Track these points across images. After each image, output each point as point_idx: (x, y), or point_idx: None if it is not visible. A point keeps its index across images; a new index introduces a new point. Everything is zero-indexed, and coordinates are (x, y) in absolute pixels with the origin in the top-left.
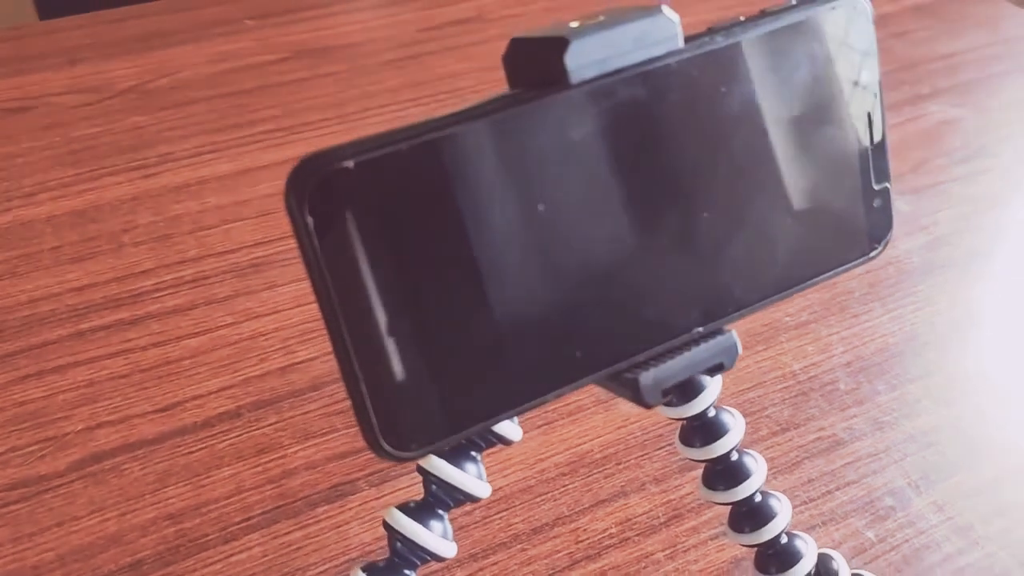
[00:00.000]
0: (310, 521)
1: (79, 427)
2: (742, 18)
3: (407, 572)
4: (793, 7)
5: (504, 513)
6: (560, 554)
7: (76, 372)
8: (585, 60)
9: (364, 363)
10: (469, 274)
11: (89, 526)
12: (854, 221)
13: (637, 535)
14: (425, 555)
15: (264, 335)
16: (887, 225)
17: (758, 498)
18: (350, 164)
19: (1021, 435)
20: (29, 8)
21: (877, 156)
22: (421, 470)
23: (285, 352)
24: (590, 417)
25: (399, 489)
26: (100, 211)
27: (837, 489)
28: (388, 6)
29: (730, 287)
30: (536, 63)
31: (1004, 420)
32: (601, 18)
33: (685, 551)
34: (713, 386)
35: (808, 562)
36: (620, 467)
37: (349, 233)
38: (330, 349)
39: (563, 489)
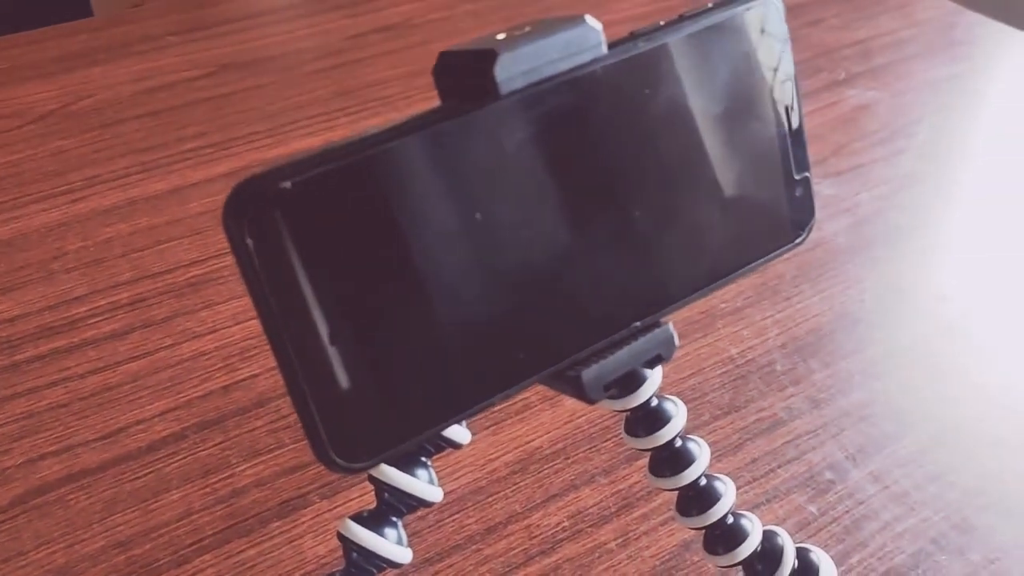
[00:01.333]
0: (263, 538)
1: (19, 460)
2: (662, 23)
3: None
4: (710, 10)
5: (457, 515)
6: (515, 551)
7: (13, 405)
8: (514, 71)
9: (310, 377)
10: (410, 284)
11: (36, 560)
12: (778, 211)
13: (589, 527)
14: (381, 563)
15: (205, 354)
16: (809, 213)
17: (703, 482)
18: (287, 185)
19: (946, 404)
20: None
21: (796, 147)
22: (372, 479)
23: (227, 370)
24: (537, 415)
25: (351, 500)
26: (27, 240)
27: (779, 467)
28: (314, 15)
29: (665, 281)
30: (466, 76)
31: (931, 391)
32: (527, 29)
33: (636, 538)
34: (653, 377)
35: (754, 540)
36: (569, 461)
37: (289, 251)
38: (273, 364)
39: (514, 487)
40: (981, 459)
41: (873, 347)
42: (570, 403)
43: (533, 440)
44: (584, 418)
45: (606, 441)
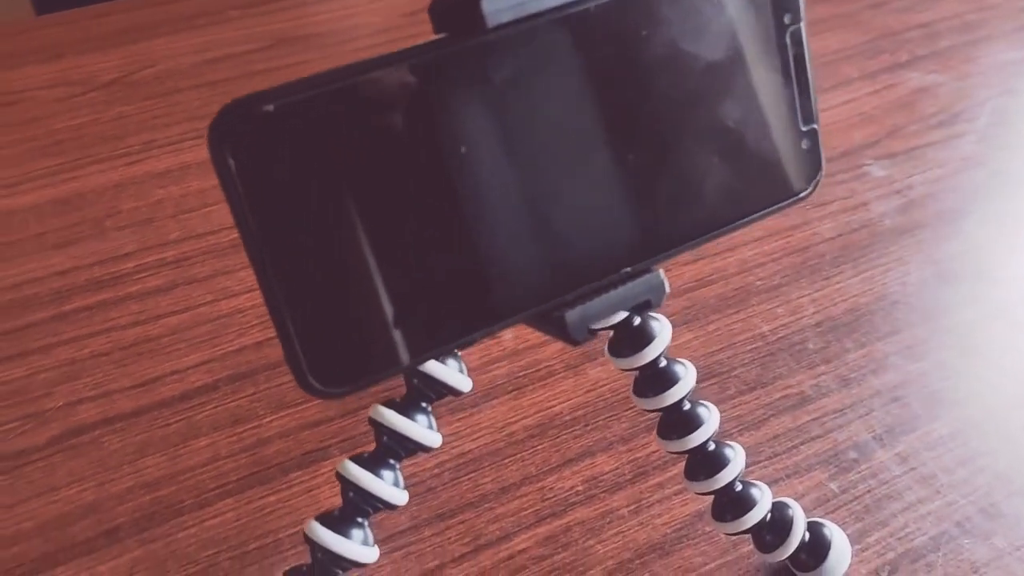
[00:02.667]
0: (283, 486)
1: (60, 403)
2: None
3: (359, 520)
4: None
5: (473, 474)
6: (527, 511)
7: (58, 352)
8: (501, 5)
9: (290, 302)
10: (393, 213)
11: (67, 496)
12: (782, 162)
13: (603, 492)
14: (377, 503)
15: (242, 312)
16: (816, 166)
17: (712, 447)
18: (270, 108)
19: (983, 387)
20: (26, 5)
21: (803, 98)
22: (372, 421)
23: (262, 327)
24: (560, 382)
25: (364, 441)
26: (83, 199)
27: (802, 444)
28: None
29: (657, 228)
30: (456, 10)
31: (968, 373)
32: None
33: (649, 506)
34: (662, 336)
35: (762, 509)
36: (588, 428)
37: (270, 174)
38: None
39: (532, 450)
40: (1016, 446)
41: (911, 329)
42: (594, 372)
43: (554, 406)
44: (607, 387)
45: (627, 410)
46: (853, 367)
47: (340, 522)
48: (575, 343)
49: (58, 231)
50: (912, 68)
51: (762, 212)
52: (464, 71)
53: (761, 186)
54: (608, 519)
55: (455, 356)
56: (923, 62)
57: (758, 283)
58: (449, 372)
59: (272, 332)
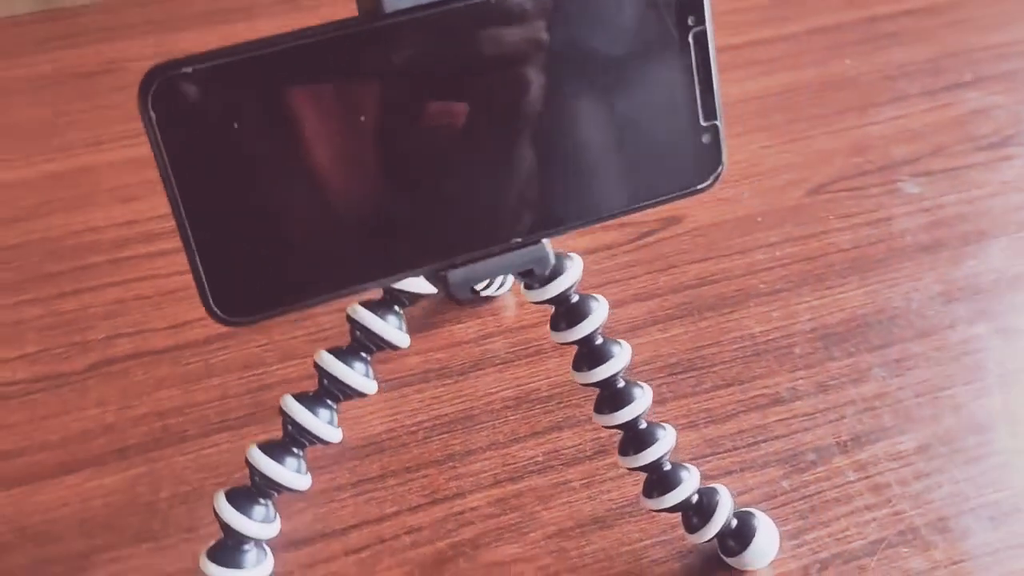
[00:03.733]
0: (276, 428)
1: (101, 336)
2: None
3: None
4: None
5: (445, 435)
6: (486, 474)
7: (108, 292)
8: None
9: (199, 240)
10: (294, 170)
11: (91, 415)
12: (681, 154)
13: (561, 464)
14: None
15: None
16: (717, 160)
17: (643, 425)
18: (188, 70)
19: (958, 408)
20: None
21: (705, 95)
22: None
23: None
24: (545, 361)
25: (357, 406)
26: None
27: (764, 441)
28: None
29: (550, 206)
30: None
31: (946, 393)
32: None
33: (602, 482)
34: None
35: (687, 489)
36: (561, 406)
37: (184, 127)
38: None
39: (503, 420)
40: (977, 469)
41: (903, 344)
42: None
43: (533, 382)
44: None
45: None
46: (834, 375)
47: (279, 448)
48: (458, 301)
49: (127, 187)
50: (973, 88)
51: (658, 200)
52: (363, 50)
53: (658, 176)
54: (559, 489)
55: (396, 314)
56: (986, 83)
57: (761, 286)
58: (387, 327)
59: None
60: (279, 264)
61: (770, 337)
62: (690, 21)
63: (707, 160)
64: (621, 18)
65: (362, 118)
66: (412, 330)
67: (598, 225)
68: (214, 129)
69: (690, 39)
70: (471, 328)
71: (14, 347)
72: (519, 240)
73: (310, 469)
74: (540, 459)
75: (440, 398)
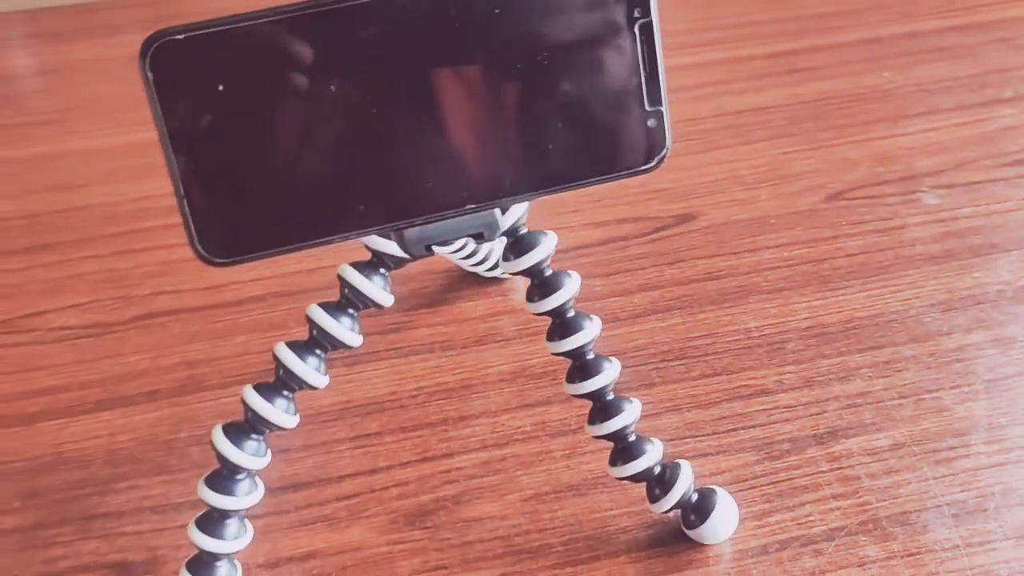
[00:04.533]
0: None
1: (146, 292)
2: None
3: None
4: None
5: (442, 401)
6: (474, 439)
7: (157, 253)
8: None
9: (187, 189)
10: (270, 130)
11: (129, 361)
12: (627, 136)
13: (546, 435)
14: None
15: None
16: (662, 143)
17: (610, 396)
18: (180, 37)
19: (940, 412)
20: None
21: (651, 82)
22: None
23: (316, 259)
24: (543, 341)
25: (366, 370)
26: None
27: (742, 428)
28: None
29: (501, 176)
30: None
31: (931, 396)
32: None
33: (582, 455)
34: (569, 286)
35: (649, 459)
36: (554, 383)
37: (176, 87)
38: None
39: (497, 391)
40: (946, 470)
41: (895, 347)
42: None
43: (531, 359)
44: None
45: None
46: (822, 371)
47: (271, 390)
48: (413, 256)
49: None
50: (1010, 106)
51: (604, 177)
52: (332, 26)
53: (606, 155)
54: (541, 458)
55: (382, 276)
56: None
57: (763, 284)
58: (371, 286)
59: (323, 263)
60: (256, 215)
61: (764, 332)
62: (636, 13)
63: (652, 143)
64: (572, 7)
65: (332, 87)
66: (425, 304)
67: (609, 217)
68: (201, 89)
69: (636, 30)
70: (480, 306)
71: (70, 297)
72: (472, 206)
73: (312, 420)
74: (527, 429)
75: (442, 367)
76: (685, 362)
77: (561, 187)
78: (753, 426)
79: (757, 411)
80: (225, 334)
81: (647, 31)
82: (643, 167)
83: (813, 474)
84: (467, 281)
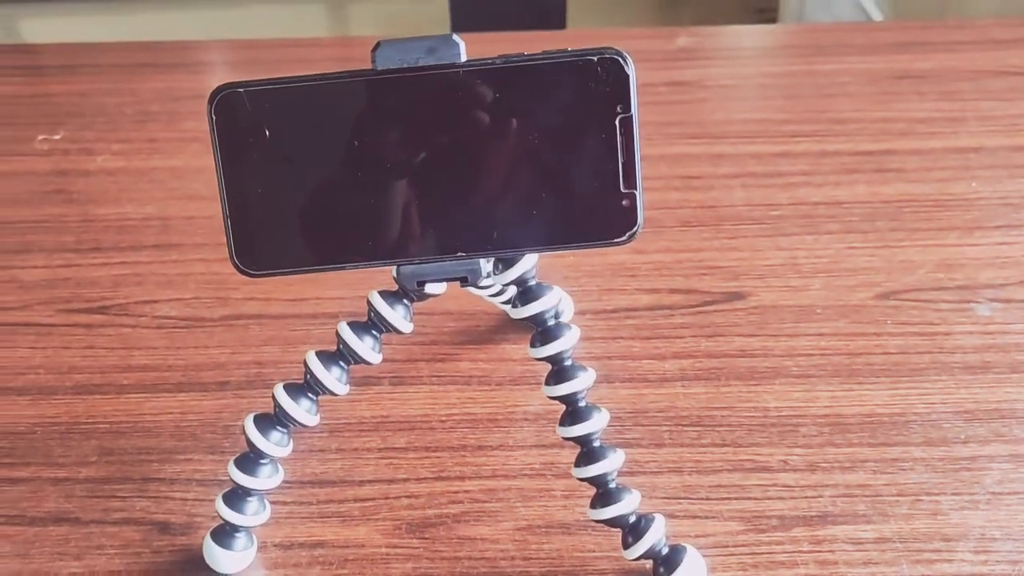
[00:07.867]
0: None
1: (239, 296)
2: (525, 53)
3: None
4: (565, 52)
5: (466, 430)
6: (486, 468)
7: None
8: (389, 58)
9: (233, 211)
10: (305, 173)
11: (209, 353)
12: (603, 211)
13: (551, 475)
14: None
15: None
16: (633, 222)
17: (596, 443)
18: (241, 90)
19: (935, 513)
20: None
21: (627, 168)
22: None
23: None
24: None
25: (409, 391)
26: None
27: (736, 499)
28: None
29: (491, 234)
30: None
31: (928, 498)
32: (410, 36)
33: (580, 497)
34: (567, 337)
35: (626, 507)
36: None
37: (234, 129)
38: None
39: (519, 428)
40: (934, 572)
41: (906, 447)
42: (598, 350)
43: (556, 405)
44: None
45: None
46: (828, 458)
47: (298, 390)
48: (406, 291)
49: None
50: None
51: (580, 245)
52: (361, 94)
53: (584, 227)
54: (542, 494)
55: (405, 305)
56: None
57: (793, 368)
58: (393, 314)
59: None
60: (283, 239)
61: (782, 413)
62: (618, 108)
63: (625, 220)
64: (562, 97)
65: (355, 144)
66: (473, 341)
67: (662, 286)
68: (252, 132)
69: (617, 122)
70: (521, 350)
71: (176, 292)
72: (462, 254)
73: (352, 427)
74: (536, 466)
75: (475, 399)
76: (698, 429)
77: (541, 248)
78: (747, 498)
79: (755, 485)
80: (297, 341)
81: (627, 124)
82: (616, 240)
83: (793, 552)
84: (515, 327)
